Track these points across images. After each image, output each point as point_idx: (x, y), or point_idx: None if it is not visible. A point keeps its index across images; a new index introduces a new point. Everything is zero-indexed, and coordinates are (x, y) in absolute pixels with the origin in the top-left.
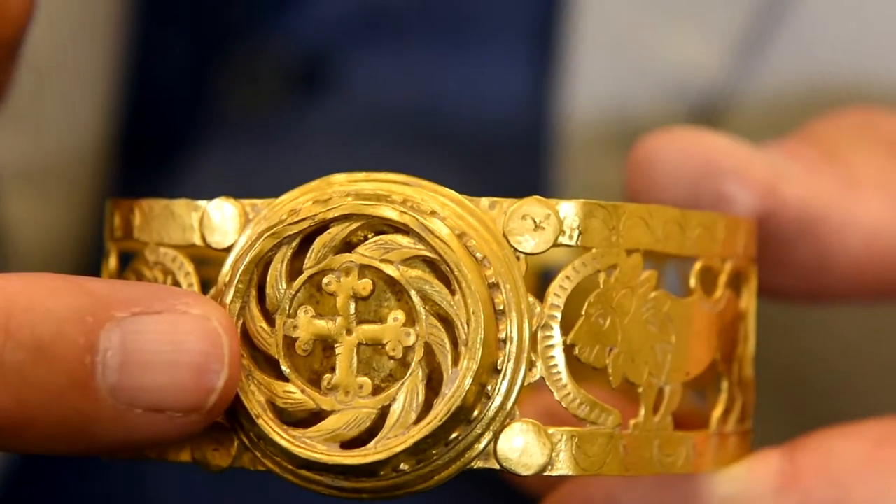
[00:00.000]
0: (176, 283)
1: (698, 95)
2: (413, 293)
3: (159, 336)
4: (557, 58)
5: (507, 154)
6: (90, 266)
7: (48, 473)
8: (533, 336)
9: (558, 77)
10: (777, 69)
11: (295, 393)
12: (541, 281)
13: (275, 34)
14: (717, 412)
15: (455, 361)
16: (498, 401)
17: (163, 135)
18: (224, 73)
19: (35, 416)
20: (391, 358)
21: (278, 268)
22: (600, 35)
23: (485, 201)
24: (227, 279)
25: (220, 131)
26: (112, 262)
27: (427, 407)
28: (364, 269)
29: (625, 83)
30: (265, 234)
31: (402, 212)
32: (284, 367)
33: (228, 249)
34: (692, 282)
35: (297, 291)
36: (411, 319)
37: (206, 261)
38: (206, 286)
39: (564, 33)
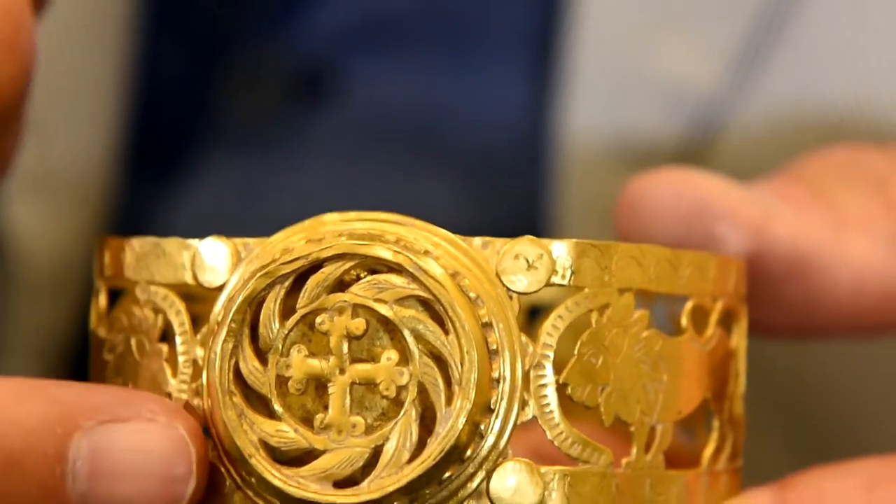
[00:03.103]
0: (167, 322)
1: (696, 110)
2: (406, 332)
3: (127, 445)
4: (557, 72)
5: (507, 167)
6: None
7: None
8: (526, 375)
9: (558, 91)
10: (775, 85)
11: (287, 432)
12: (528, 318)
13: (276, 44)
14: (708, 450)
15: (449, 401)
16: (491, 440)
17: (166, 144)
18: (226, 82)
19: None
20: (384, 397)
21: (271, 307)
22: (599, 49)
23: (477, 241)
24: (220, 319)
25: (223, 140)
26: (102, 300)
27: (420, 446)
28: (357, 309)
29: (623, 98)
30: (258, 274)
31: (395, 251)
32: (277, 406)
33: (220, 288)
34: (683, 321)
35: (290, 331)
36: (405, 359)
37: (194, 297)
38: (195, 321)
39: (564, 48)
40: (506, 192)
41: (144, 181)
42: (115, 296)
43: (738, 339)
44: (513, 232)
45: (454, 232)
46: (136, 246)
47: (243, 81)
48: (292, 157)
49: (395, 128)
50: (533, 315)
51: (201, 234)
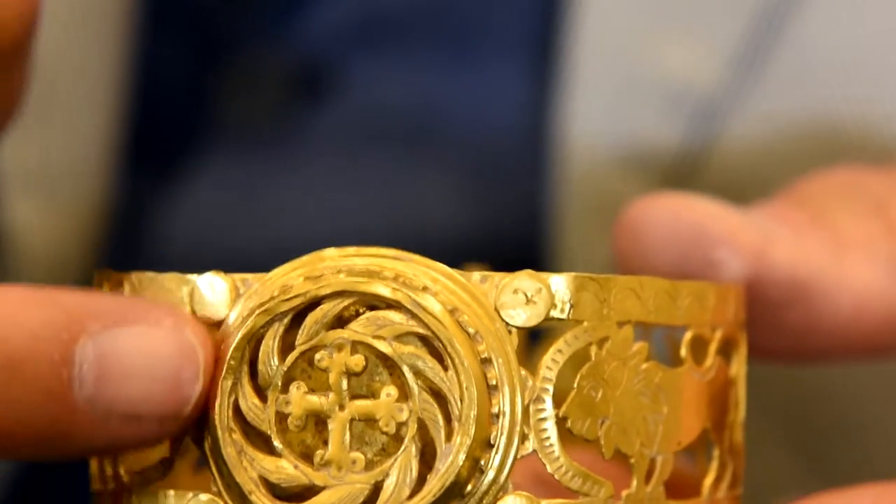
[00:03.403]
0: None
1: (696, 110)
2: (406, 369)
3: (133, 348)
4: (557, 71)
5: (507, 166)
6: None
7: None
8: (525, 409)
9: (557, 90)
10: (775, 85)
11: (287, 468)
12: (528, 341)
13: (276, 42)
14: (708, 480)
15: (448, 437)
16: (491, 475)
17: (165, 143)
18: (225, 80)
19: (13, 429)
20: (384, 433)
21: (270, 344)
22: (599, 49)
23: (476, 275)
24: (219, 355)
25: (222, 139)
26: None
27: (420, 482)
28: (356, 345)
29: (623, 97)
30: (257, 311)
31: (394, 288)
32: (277, 443)
33: (219, 324)
34: (683, 352)
35: (290, 367)
36: (404, 395)
37: None
38: None
39: (564, 47)
40: (505, 190)
41: (143, 180)
42: None
43: (738, 367)
44: (512, 230)
45: (454, 231)
46: (135, 280)
47: (243, 81)
48: (292, 156)
49: (394, 126)
50: (532, 338)
51: (201, 234)
